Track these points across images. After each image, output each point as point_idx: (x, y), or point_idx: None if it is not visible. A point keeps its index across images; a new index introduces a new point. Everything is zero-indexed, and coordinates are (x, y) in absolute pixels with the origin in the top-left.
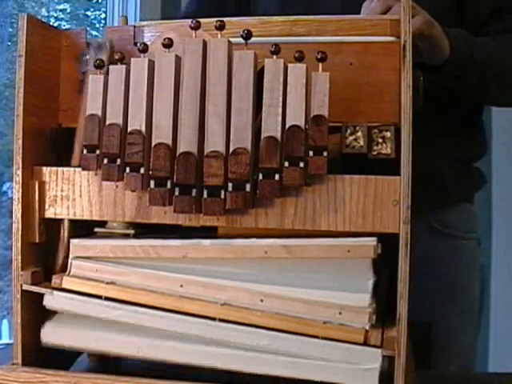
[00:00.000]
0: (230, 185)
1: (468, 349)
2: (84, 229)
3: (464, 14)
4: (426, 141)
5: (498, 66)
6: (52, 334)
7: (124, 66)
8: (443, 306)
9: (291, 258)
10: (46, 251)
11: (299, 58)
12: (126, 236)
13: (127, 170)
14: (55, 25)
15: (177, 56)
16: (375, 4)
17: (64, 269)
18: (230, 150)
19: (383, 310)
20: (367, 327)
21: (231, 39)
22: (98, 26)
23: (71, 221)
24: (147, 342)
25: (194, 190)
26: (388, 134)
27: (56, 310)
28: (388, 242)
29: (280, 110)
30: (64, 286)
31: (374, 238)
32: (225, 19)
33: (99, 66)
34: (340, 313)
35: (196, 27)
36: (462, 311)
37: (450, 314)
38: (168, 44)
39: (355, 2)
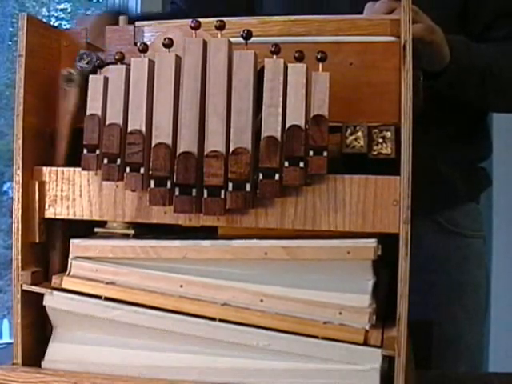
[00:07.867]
0: (230, 185)
1: (476, 348)
2: (85, 229)
3: (467, 18)
4: (433, 143)
5: (498, 75)
6: (53, 361)
7: (124, 66)
8: (451, 305)
9: (291, 259)
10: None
11: (299, 58)
12: (126, 236)
13: (127, 169)
14: (56, 24)
15: (177, 56)
16: (378, 5)
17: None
18: (230, 150)
19: (383, 310)
20: (367, 327)
21: (231, 39)
22: None
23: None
24: (148, 363)
25: (194, 190)
26: (388, 134)
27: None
28: (388, 241)
29: (280, 109)
30: (64, 286)
31: (374, 240)
32: (225, 19)
33: (99, 65)
34: (340, 313)
35: (196, 27)
36: (469, 310)
37: (458, 312)
38: (168, 44)
39: (363, 3)
